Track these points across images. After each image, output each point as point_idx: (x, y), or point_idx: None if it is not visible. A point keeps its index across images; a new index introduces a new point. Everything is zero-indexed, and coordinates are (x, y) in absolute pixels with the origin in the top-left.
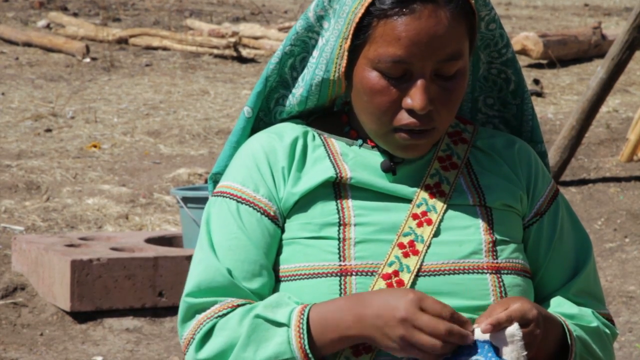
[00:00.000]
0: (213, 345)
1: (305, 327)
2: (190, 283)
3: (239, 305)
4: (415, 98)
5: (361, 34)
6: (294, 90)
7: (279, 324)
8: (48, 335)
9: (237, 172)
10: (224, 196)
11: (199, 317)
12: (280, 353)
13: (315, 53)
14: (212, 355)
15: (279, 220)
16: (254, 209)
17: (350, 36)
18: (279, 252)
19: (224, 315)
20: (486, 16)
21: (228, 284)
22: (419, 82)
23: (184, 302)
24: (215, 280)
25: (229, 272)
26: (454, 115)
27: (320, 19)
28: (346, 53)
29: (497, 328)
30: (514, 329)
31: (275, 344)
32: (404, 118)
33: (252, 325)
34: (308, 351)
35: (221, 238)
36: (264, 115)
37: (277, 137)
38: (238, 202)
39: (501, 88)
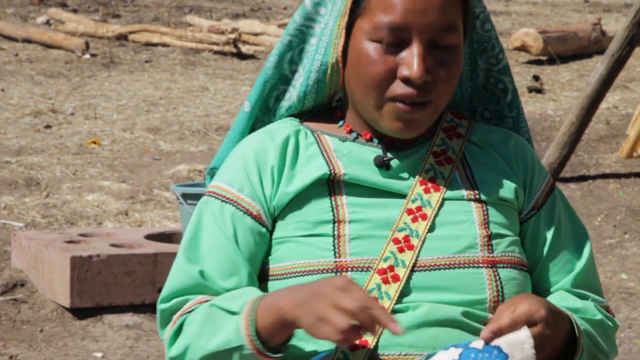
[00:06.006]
0: (181, 341)
1: (253, 314)
2: (163, 290)
3: (207, 301)
4: (411, 66)
5: (357, 8)
6: (293, 82)
7: (232, 313)
8: (48, 332)
9: (226, 172)
10: (210, 195)
11: (174, 317)
12: (230, 341)
13: (313, 41)
14: (181, 351)
15: (264, 219)
16: (237, 207)
17: (347, 11)
18: (271, 251)
19: (193, 311)
20: (481, 14)
21: (198, 284)
22: (415, 50)
23: (158, 309)
24: (186, 282)
25: (201, 273)
26: (452, 93)
27: (316, 5)
28: (343, 30)
29: (499, 334)
30: (524, 336)
31: (227, 332)
32: (399, 87)
33: (208, 314)
34: (254, 337)
35: (204, 238)
36: (262, 114)
37: (269, 137)
38: (222, 201)
39: (498, 100)
